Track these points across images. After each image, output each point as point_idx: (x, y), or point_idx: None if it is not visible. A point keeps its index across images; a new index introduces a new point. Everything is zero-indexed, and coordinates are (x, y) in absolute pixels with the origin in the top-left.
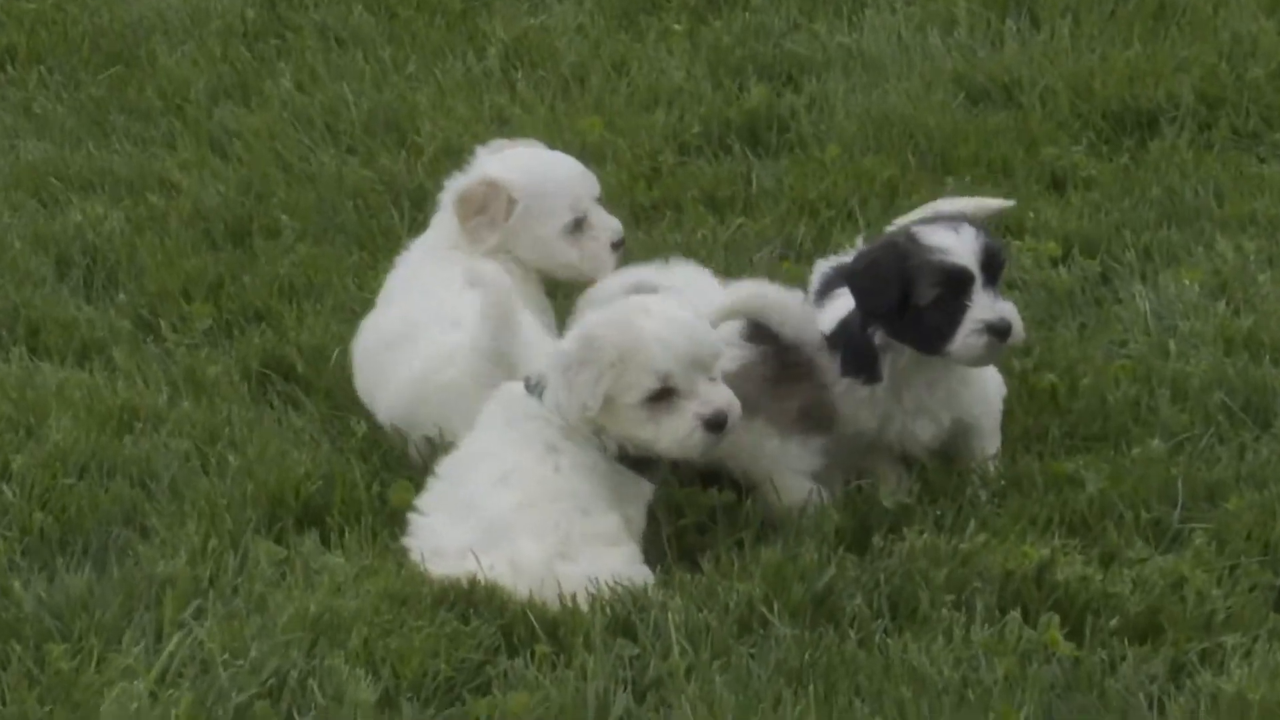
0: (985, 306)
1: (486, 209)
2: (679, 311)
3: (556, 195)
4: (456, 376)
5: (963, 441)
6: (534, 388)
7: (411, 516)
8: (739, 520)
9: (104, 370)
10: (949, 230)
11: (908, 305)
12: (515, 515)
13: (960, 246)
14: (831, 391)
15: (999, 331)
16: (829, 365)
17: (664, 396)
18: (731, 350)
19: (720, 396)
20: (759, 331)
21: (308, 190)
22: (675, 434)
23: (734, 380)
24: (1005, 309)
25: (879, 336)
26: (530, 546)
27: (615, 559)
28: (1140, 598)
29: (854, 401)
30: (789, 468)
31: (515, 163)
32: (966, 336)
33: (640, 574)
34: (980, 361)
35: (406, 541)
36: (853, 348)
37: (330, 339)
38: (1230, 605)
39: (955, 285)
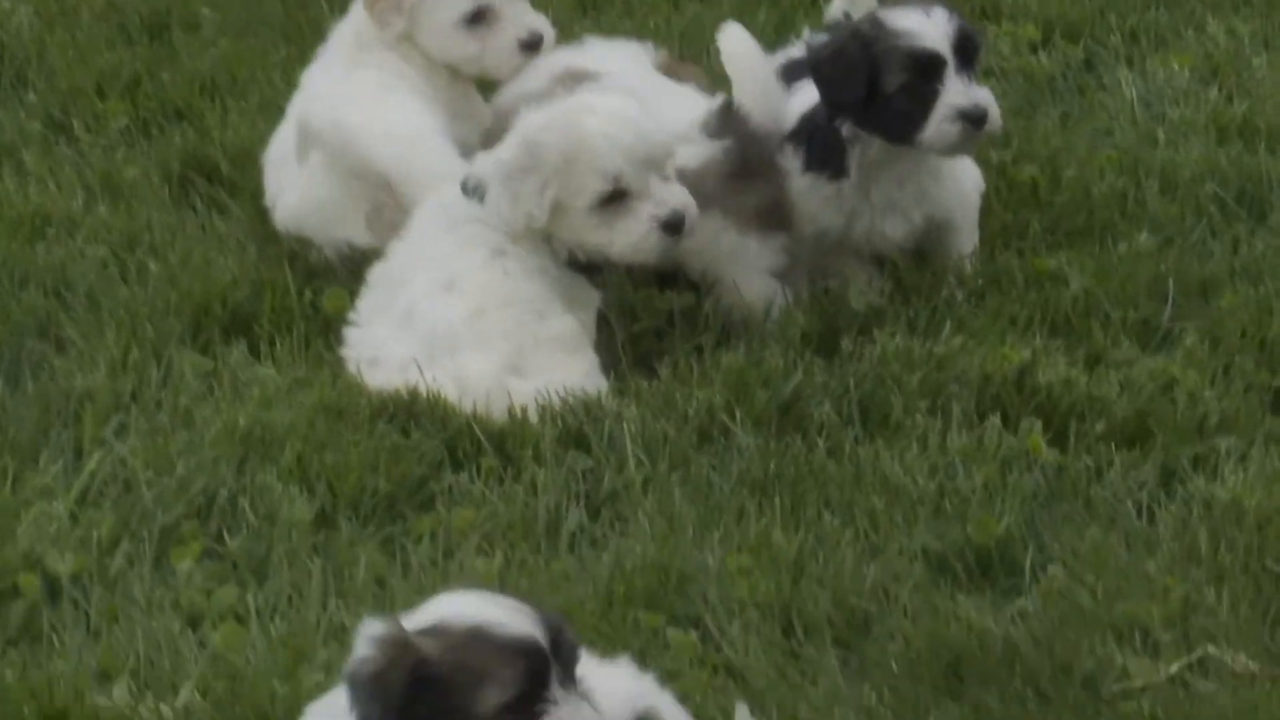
0: (958, 92)
1: None
2: (625, 107)
3: None
4: (329, 193)
5: (937, 239)
6: (473, 190)
7: (345, 328)
8: (698, 324)
9: (14, 174)
10: (918, 13)
11: (876, 94)
12: (462, 326)
13: (930, 29)
14: (794, 189)
15: (973, 118)
16: (791, 163)
17: (616, 199)
18: (692, 145)
19: (676, 196)
20: (722, 125)
21: None
22: (630, 237)
23: (695, 176)
24: (980, 95)
25: (846, 129)
26: (478, 360)
27: (572, 371)
28: (1128, 401)
29: (818, 199)
30: (748, 265)
31: None
32: (939, 124)
33: (598, 385)
34: (954, 151)
35: (342, 353)
36: (818, 142)
37: (256, 138)
38: (1224, 407)
39: (925, 70)
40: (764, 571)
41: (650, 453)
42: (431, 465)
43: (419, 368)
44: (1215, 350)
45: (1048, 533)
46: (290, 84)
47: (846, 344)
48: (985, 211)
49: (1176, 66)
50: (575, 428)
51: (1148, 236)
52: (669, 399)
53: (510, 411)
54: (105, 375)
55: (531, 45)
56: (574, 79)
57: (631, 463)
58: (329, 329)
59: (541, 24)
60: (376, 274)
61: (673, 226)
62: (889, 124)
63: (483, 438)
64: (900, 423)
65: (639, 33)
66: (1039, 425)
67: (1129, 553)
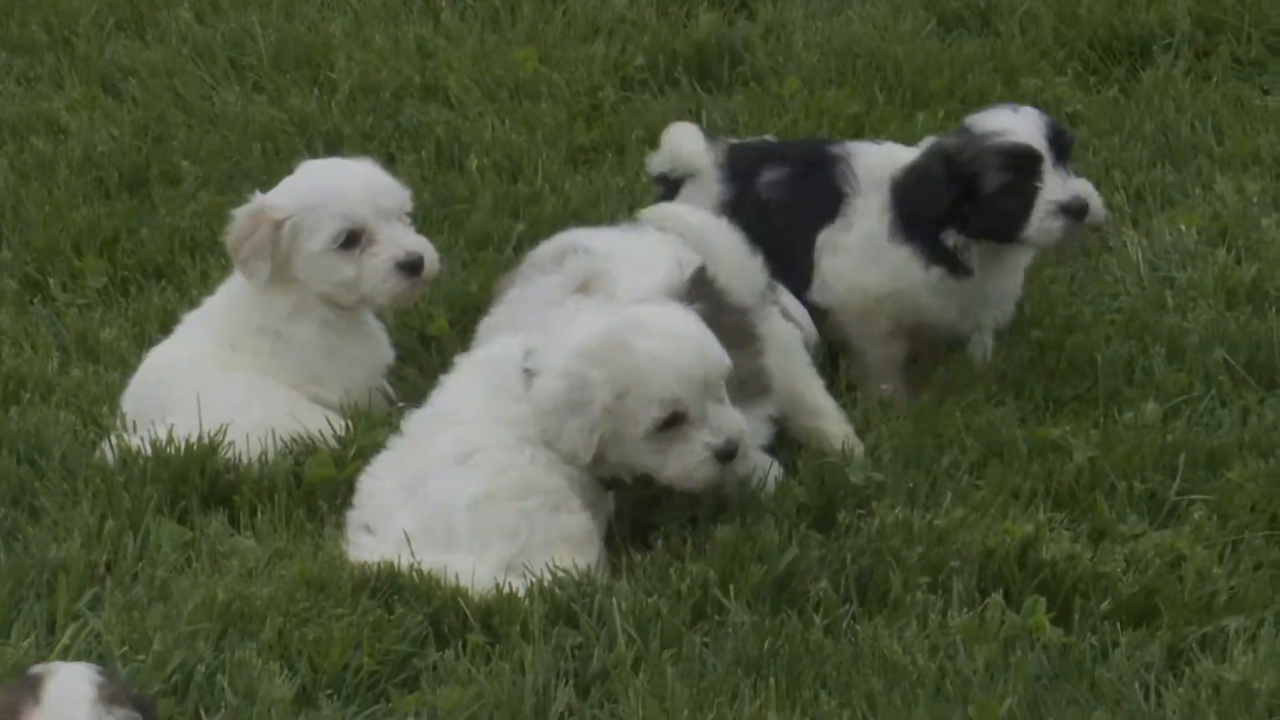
0: (1058, 187)
1: (254, 236)
2: (682, 323)
3: (327, 207)
4: None
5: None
6: (528, 372)
7: (362, 478)
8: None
9: None
10: (1006, 111)
11: (976, 196)
12: (464, 513)
13: (1022, 125)
14: (913, 283)
15: (1074, 211)
16: (763, 325)
17: (672, 424)
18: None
19: (731, 423)
20: (693, 290)
21: (210, 133)
22: (684, 465)
23: None
24: (1079, 186)
25: (952, 238)
26: (468, 564)
27: (578, 565)
28: (1134, 577)
29: (942, 292)
30: None
31: (288, 183)
32: (1042, 220)
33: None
34: (1059, 246)
35: (350, 512)
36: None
37: None
38: (1233, 585)
39: (1023, 166)
40: None
41: (641, 630)
42: (415, 641)
43: (411, 551)
44: (1224, 525)
45: (1051, 715)
46: None
47: (844, 517)
48: (984, 379)
49: (1184, 227)
50: (564, 603)
51: (1154, 405)
52: (661, 573)
53: (497, 587)
54: (80, 546)
55: (410, 266)
56: (569, 252)
57: (622, 640)
58: (311, 498)
59: (421, 244)
60: (412, 421)
61: (727, 455)
62: (993, 225)
63: (469, 613)
64: (900, 599)
65: (630, 189)
66: (1043, 603)
67: None
